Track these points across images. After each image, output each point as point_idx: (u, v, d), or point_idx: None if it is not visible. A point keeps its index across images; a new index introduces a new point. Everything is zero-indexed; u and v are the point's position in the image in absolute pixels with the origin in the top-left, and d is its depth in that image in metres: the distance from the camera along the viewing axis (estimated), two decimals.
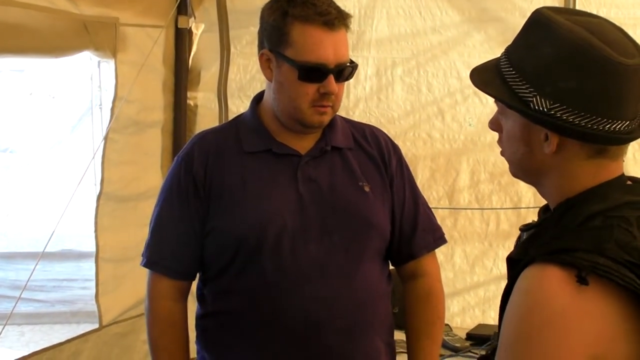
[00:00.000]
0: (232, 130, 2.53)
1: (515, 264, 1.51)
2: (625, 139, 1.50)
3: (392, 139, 2.66)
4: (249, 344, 2.42)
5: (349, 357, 2.44)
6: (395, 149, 2.62)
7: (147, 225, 4.37)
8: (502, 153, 1.64)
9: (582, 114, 1.46)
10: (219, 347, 2.51)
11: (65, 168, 10.82)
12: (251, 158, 2.45)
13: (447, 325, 3.82)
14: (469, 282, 4.24)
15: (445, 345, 3.66)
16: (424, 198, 2.68)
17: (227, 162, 2.45)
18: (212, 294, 2.51)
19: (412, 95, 4.50)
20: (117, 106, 3.99)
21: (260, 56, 2.42)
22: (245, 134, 2.49)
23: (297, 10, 2.32)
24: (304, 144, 2.47)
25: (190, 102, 4.54)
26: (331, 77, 2.33)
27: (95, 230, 4.01)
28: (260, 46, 2.43)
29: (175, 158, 2.56)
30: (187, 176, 2.45)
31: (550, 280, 1.37)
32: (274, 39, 2.37)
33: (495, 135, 1.66)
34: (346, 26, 2.37)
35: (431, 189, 4.44)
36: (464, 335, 3.77)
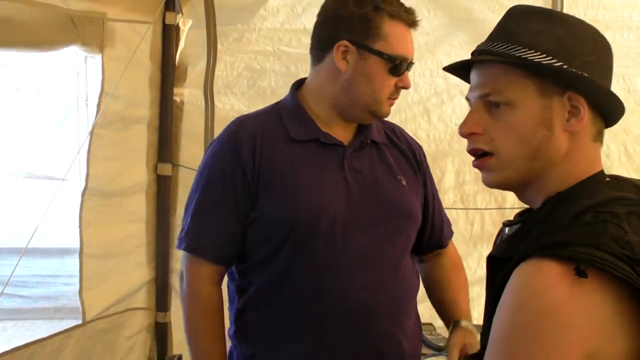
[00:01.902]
0: (275, 117, 2.54)
1: (500, 262, 1.52)
2: (623, 110, 1.61)
3: None
4: (298, 333, 2.44)
5: (396, 342, 2.50)
6: (421, 147, 2.73)
7: (132, 222, 4.40)
8: (483, 160, 1.61)
9: (603, 86, 1.55)
10: (265, 339, 2.51)
11: (51, 164, 10.77)
12: (299, 146, 2.47)
13: (430, 324, 3.83)
14: None
15: (428, 345, 3.66)
16: None
17: (276, 149, 2.46)
18: (256, 285, 2.50)
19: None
20: (104, 101, 3.97)
21: (337, 48, 2.43)
22: (290, 121, 2.51)
23: (390, 8, 2.40)
24: (345, 135, 2.52)
25: (177, 99, 4.52)
26: (407, 72, 2.44)
27: (80, 226, 3.99)
28: (331, 38, 2.45)
29: (216, 142, 2.55)
30: (233, 161, 2.44)
31: (547, 274, 1.36)
32: (359, 32, 2.40)
33: None
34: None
35: None
36: (446, 335, 3.77)
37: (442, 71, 4.60)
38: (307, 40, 4.36)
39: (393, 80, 2.42)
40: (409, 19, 2.42)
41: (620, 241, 1.38)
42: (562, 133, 1.53)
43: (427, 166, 2.71)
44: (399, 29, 2.41)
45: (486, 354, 1.42)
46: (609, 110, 1.58)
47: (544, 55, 1.52)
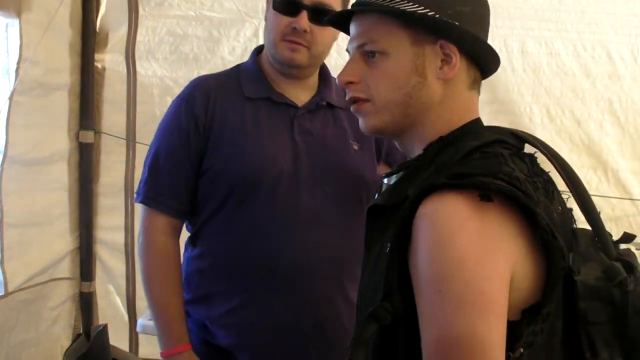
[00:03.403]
0: (233, 76, 2.59)
1: (384, 210, 1.54)
2: (498, 63, 1.67)
3: None
4: (237, 286, 2.45)
5: (335, 303, 2.49)
6: None
7: (54, 190, 4.32)
8: (360, 105, 1.66)
9: (476, 35, 1.60)
10: (204, 288, 2.54)
11: None
12: (251, 103, 2.51)
13: None
14: None
15: None
16: None
17: (228, 104, 2.50)
18: (204, 237, 2.55)
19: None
20: (22, 68, 3.88)
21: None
22: (246, 80, 2.56)
23: None
24: (300, 97, 2.55)
25: (98, 65, 4.44)
26: (304, 13, 2.41)
27: (0, 195, 3.91)
28: None
29: (175, 100, 2.60)
30: (188, 116, 2.49)
31: (457, 206, 1.39)
32: None
33: None
34: None
35: None
36: None
37: None
38: (229, 5, 4.32)
39: (284, 20, 2.43)
40: None
41: (511, 176, 1.43)
42: (436, 80, 1.60)
43: None
44: None
45: (425, 300, 1.41)
46: (483, 60, 1.65)
47: (417, 5, 1.57)
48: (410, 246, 1.44)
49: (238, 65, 2.67)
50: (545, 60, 4.34)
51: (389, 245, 1.48)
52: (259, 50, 2.65)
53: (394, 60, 1.60)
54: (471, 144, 1.52)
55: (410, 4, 1.57)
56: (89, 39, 4.40)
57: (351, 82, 1.65)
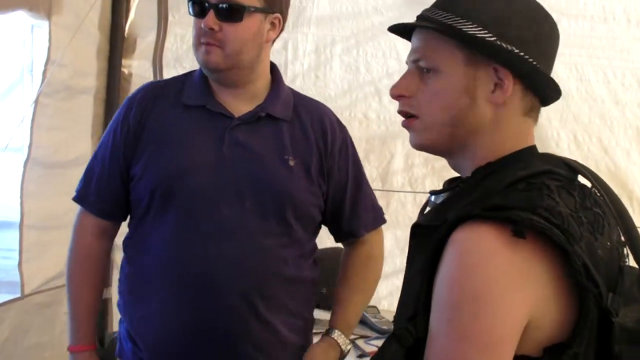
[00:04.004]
0: (179, 83, 2.57)
1: (427, 230, 1.52)
2: (559, 93, 1.62)
3: (340, 121, 2.68)
4: (154, 297, 2.45)
5: (243, 319, 2.43)
6: (342, 130, 2.64)
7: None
8: (410, 121, 1.64)
9: (536, 63, 1.55)
10: (127, 294, 2.57)
11: None
12: (186, 111, 2.49)
13: (374, 307, 3.83)
14: (398, 265, 4.24)
15: (372, 327, 3.66)
16: (367, 179, 2.72)
17: (162, 111, 2.49)
18: (131, 243, 2.56)
19: (350, 74, 4.49)
20: (49, 70, 3.88)
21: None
22: (189, 88, 2.52)
23: None
24: (241, 108, 2.49)
25: (125, 70, 4.44)
26: (211, 12, 2.38)
27: (21, 197, 3.90)
28: None
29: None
30: (124, 119, 2.50)
31: (487, 239, 1.37)
32: None
33: None
34: None
35: (365, 170, 4.43)
36: (391, 318, 3.77)
37: (395, 52, 4.58)
38: None
39: (197, 23, 2.42)
40: None
41: (552, 211, 1.40)
42: (486, 103, 1.56)
43: (346, 149, 2.62)
44: None
45: (434, 325, 1.41)
46: (539, 89, 1.60)
47: (476, 27, 1.54)
48: (438, 268, 1.43)
49: (189, 72, 2.64)
50: (574, 86, 4.31)
51: (421, 265, 1.48)
52: None
53: (446, 79, 1.57)
54: (518, 173, 1.49)
55: (470, 23, 1.54)
56: (117, 44, 4.40)
57: (402, 96, 1.64)
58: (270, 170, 2.47)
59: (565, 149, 4.31)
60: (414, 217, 4.74)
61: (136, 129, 2.47)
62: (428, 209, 1.66)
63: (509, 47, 1.53)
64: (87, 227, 2.60)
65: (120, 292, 2.61)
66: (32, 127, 3.88)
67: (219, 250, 2.39)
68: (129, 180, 2.50)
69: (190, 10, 2.42)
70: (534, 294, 1.37)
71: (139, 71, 4.45)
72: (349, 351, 2.61)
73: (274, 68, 2.60)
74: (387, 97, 4.43)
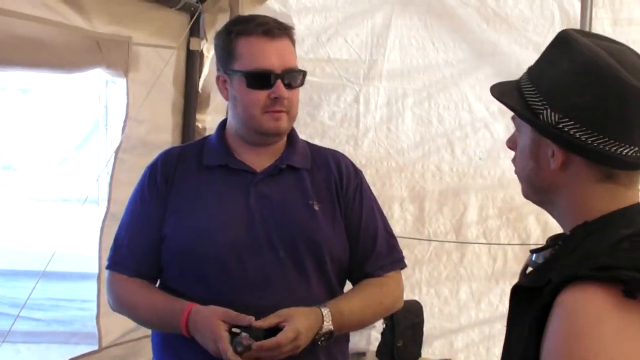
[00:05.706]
0: (197, 147, 2.64)
1: (529, 292, 1.49)
2: (632, 164, 1.51)
3: (356, 166, 2.71)
4: (195, 352, 2.40)
5: None
6: (357, 173, 2.67)
7: None
8: (515, 171, 1.68)
9: (590, 132, 1.49)
10: (169, 351, 2.55)
11: (69, 187, 10.78)
12: (208, 172, 2.55)
13: None
14: (474, 318, 4.20)
15: None
16: (387, 223, 2.71)
17: (187, 174, 2.55)
18: None
19: (422, 126, 4.49)
20: (128, 126, 3.96)
21: (217, 80, 2.56)
22: (207, 150, 2.59)
23: (238, 27, 2.48)
24: (261, 162, 2.54)
25: (199, 125, 4.51)
26: (279, 82, 2.42)
27: (100, 251, 3.95)
28: (217, 73, 2.56)
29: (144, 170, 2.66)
30: (150, 185, 2.55)
31: (596, 300, 1.33)
32: (224, 60, 2.50)
33: (507, 169, 1.66)
34: (289, 36, 2.51)
35: (438, 222, 4.42)
36: None
37: (467, 104, 4.59)
38: (330, 70, 4.36)
39: (261, 94, 2.43)
40: (261, 30, 2.44)
41: None
42: (548, 168, 1.56)
43: (360, 192, 2.63)
44: (253, 43, 2.44)
45: None
46: (602, 162, 1.52)
47: (538, 96, 1.55)
48: (545, 332, 1.40)
49: (205, 137, 2.72)
50: None
51: (527, 329, 1.44)
52: (223, 124, 2.64)
53: (522, 140, 1.62)
54: (621, 232, 1.45)
55: (535, 93, 1.56)
56: (191, 99, 4.49)
57: (510, 148, 1.69)
58: (300, 218, 2.51)
59: None
60: (488, 269, 4.70)
61: (165, 193, 2.52)
62: (530, 269, 1.64)
63: (550, 123, 1.51)
64: (120, 281, 2.57)
65: (157, 348, 2.61)
66: (110, 183, 3.95)
67: (258, 300, 2.39)
68: (160, 242, 2.53)
69: (256, 83, 2.44)
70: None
71: (213, 125, 4.45)
72: (327, 333, 2.49)
73: None
74: (459, 149, 4.43)
